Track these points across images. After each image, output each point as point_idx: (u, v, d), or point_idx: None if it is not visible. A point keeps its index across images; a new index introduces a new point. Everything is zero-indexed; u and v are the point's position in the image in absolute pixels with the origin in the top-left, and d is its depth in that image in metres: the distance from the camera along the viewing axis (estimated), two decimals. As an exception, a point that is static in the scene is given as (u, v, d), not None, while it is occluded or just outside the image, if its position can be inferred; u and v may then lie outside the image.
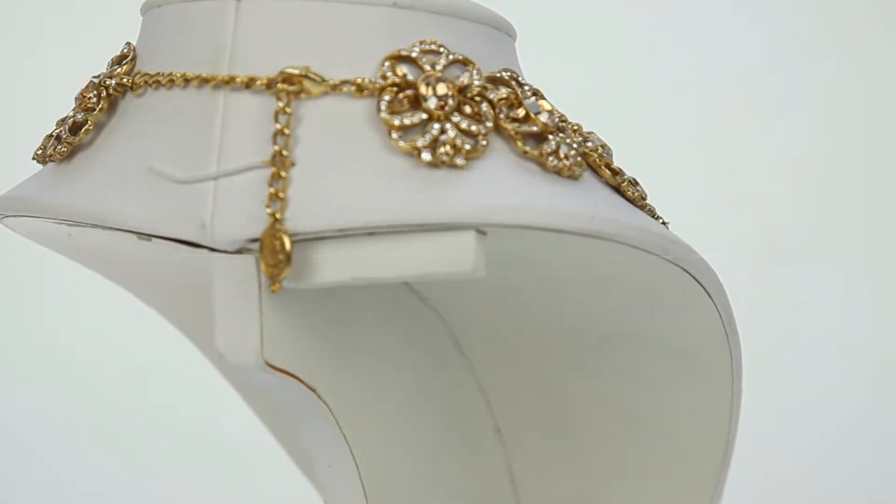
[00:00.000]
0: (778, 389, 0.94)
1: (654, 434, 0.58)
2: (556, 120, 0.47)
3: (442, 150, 0.44)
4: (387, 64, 0.45)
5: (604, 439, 0.59)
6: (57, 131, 0.51)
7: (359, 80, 0.45)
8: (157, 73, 0.48)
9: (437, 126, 0.44)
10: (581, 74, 0.99)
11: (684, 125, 1.00)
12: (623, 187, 0.48)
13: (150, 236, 0.47)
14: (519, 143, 0.45)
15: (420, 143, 0.44)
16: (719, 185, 1.00)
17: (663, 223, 0.53)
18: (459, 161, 0.44)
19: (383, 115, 0.44)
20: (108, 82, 0.49)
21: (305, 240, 0.45)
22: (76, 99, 0.50)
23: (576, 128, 0.48)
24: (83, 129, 0.49)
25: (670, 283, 0.49)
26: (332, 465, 0.54)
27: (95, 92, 0.49)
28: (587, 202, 0.45)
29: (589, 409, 0.59)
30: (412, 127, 0.44)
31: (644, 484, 0.59)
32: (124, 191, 0.47)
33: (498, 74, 0.47)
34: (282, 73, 0.45)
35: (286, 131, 0.45)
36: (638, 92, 1.00)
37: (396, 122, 0.44)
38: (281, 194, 0.44)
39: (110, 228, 0.48)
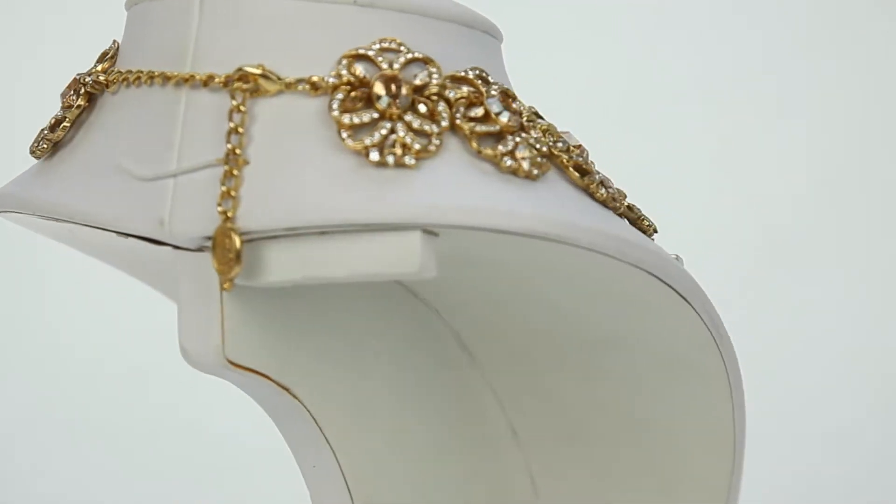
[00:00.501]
0: (778, 390, 0.94)
1: (657, 439, 0.56)
2: (522, 120, 0.46)
3: (390, 149, 0.43)
4: (344, 62, 0.45)
5: (607, 443, 0.58)
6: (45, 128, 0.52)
7: (314, 79, 0.45)
8: (128, 71, 0.48)
9: (387, 125, 0.44)
10: (581, 74, 0.99)
11: (684, 125, 0.99)
12: (591, 189, 0.47)
13: (121, 233, 0.48)
14: (474, 143, 0.44)
15: (368, 141, 0.43)
16: (719, 185, 1.00)
17: (648, 224, 0.51)
18: (409, 160, 0.43)
19: (334, 113, 0.44)
20: (86, 80, 0.50)
21: (258, 238, 0.45)
22: (61, 96, 0.51)
23: (546, 128, 0.47)
24: (61, 126, 0.50)
25: (642, 287, 0.47)
26: (316, 465, 0.54)
27: (75, 89, 0.50)
28: (538, 203, 0.44)
29: (591, 412, 0.58)
30: (362, 126, 0.44)
31: (652, 489, 0.58)
32: (94, 188, 0.48)
33: (462, 73, 0.46)
34: (238, 70, 0.45)
35: (240, 130, 0.45)
36: (637, 92, 1.00)
37: (346, 121, 0.44)
38: (233, 193, 0.44)
39: (85, 225, 0.48)
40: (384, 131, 0.44)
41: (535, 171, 0.45)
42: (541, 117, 0.49)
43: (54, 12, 0.93)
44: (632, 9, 0.99)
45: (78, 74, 0.51)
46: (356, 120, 0.44)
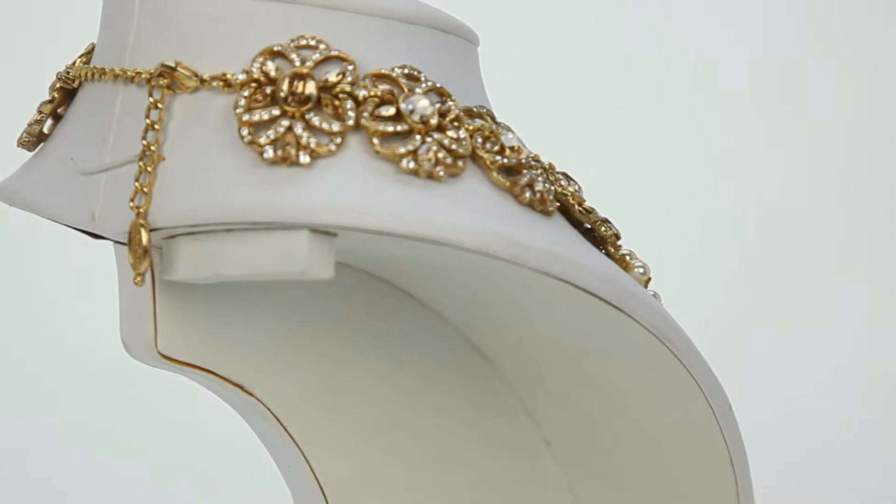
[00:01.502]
0: (781, 397, 0.93)
1: (657, 448, 0.54)
2: (444, 120, 0.44)
3: (284, 147, 0.43)
4: (259, 59, 0.44)
5: (616, 452, 0.56)
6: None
7: (227, 76, 0.44)
8: (88, 66, 0.49)
9: (285, 123, 0.43)
10: (585, 70, 0.98)
11: (685, 123, 0.98)
12: (515, 191, 0.45)
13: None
14: (375, 142, 0.43)
15: (263, 139, 0.43)
16: (719, 185, 0.99)
17: (609, 232, 0.48)
18: (303, 159, 0.43)
19: (238, 110, 0.44)
20: (61, 75, 0.51)
21: (179, 235, 0.45)
22: (49, 90, 0.53)
23: (477, 128, 0.45)
24: (36, 120, 0.51)
25: (575, 298, 0.45)
26: (290, 465, 0.54)
27: (54, 85, 0.51)
28: (430, 205, 0.42)
29: (596, 420, 0.55)
30: (261, 123, 0.43)
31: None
32: (51, 181, 0.49)
33: (384, 71, 0.45)
34: (158, 67, 0.45)
35: (157, 126, 0.45)
36: (638, 88, 0.98)
37: (246, 119, 0.43)
38: (146, 189, 0.44)
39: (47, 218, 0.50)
40: (281, 129, 0.43)
41: (441, 173, 0.43)
42: (492, 118, 0.47)
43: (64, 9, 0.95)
44: (636, 5, 0.98)
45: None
46: (255, 118, 0.43)
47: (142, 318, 0.48)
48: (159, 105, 0.45)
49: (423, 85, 0.45)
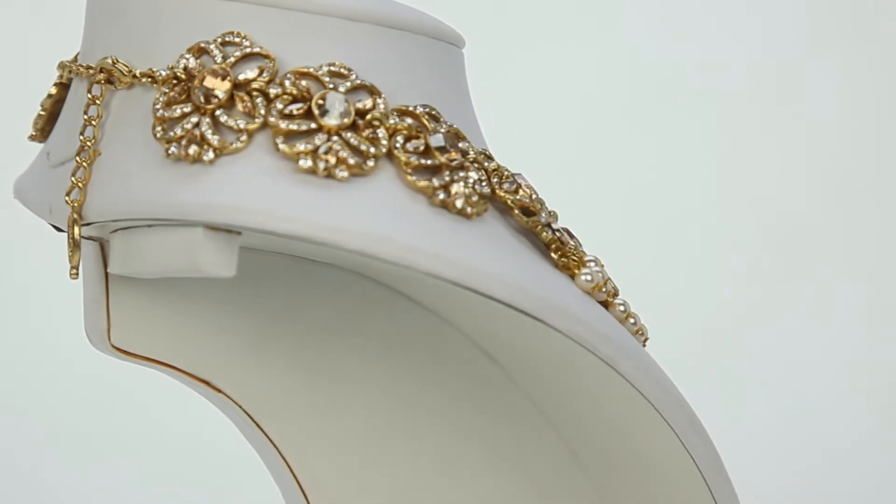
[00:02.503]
0: (783, 399, 0.92)
1: (641, 465, 0.51)
2: (354, 118, 0.43)
3: (188, 144, 0.43)
4: (187, 55, 0.44)
5: (622, 465, 0.53)
6: None
7: (154, 72, 0.45)
8: (69, 62, 0.50)
9: (193, 120, 0.43)
10: (585, 69, 0.97)
11: (687, 123, 0.98)
12: (429, 192, 0.43)
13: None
14: (279, 141, 0.43)
15: (171, 135, 0.43)
16: (722, 185, 0.98)
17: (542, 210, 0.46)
18: (207, 157, 0.42)
19: (156, 106, 0.44)
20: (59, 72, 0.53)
21: (116, 230, 0.46)
22: None
23: (406, 126, 0.44)
24: (38, 115, 0.53)
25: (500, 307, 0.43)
26: (269, 463, 0.54)
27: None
28: (320, 205, 0.41)
29: (599, 435, 0.53)
30: (172, 120, 0.43)
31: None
32: (35, 176, 0.51)
33: (308, 69, 0.44)
34: (98, 62, 0.46)
35: (94, 122, 0.46)
36: (640, 88, 0.98)
37: (159, 115, 0.44)
38: (81, 184, 0.45)
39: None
40: (188, 126, 0.43)
41: (342, 173, 0.42)
42: (432, 117, 0.45)
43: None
44: (636, 6, 0.96)
45: None
46: (167, 114, 0.43)
47: (97, 311, 0.49)
48: (97, 101, 0.46)
49: (349, 82, 0.44)
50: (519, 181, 0.46)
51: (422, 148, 0.44)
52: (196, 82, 0.43)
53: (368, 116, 0.44)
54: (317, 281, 0.53)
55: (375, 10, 0.46)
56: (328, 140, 0.43)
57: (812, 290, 0.98)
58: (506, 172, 0.46)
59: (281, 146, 0.42)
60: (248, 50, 0.44)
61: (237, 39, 0.44)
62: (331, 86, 0.44)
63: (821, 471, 0.91)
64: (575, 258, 0.47)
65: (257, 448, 0.54)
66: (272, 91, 0.43)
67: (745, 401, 0.94)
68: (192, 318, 0.51)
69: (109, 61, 0.45)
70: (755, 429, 0.92)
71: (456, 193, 0.44)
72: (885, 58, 0.99)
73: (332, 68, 0.44)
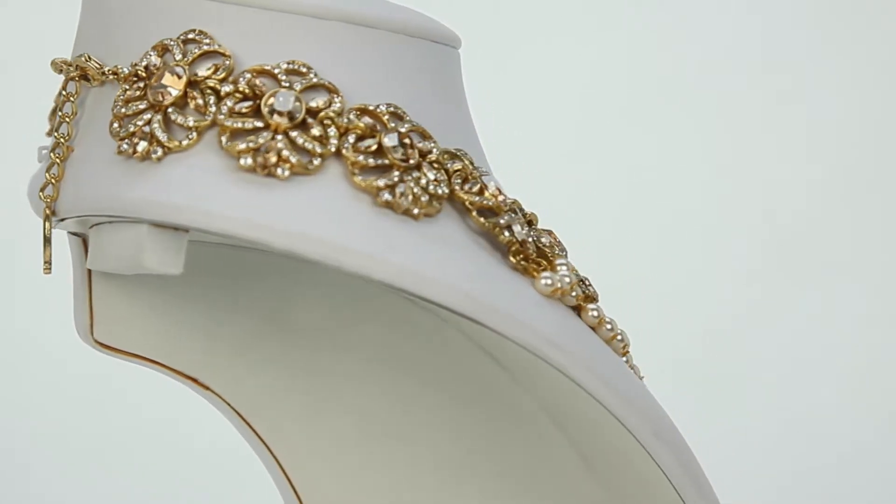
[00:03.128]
0: (791, 405, 0.91)
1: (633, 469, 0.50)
2: (304, 116, 0.43)
3: (136, 141, 0.43)
4: (151, 53, 0.45)
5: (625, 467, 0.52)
6: None
7: (119, 69, 0.45)
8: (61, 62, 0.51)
9: (146, 117, 0.43)
10: (585, 63, 0.97)
11: (689, 119, 0.97)
12: (373, 192, 0.42)
13: None
14: (223, 139, 0.42)
15: (123, 132, 0.43)
16: (725, 183, 0.97)
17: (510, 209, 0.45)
18: (155, 154, 0.43)
19: (116, 104, 0.44)
20: None
21: (93, 225, 0.47)
22: None
23: (355, 125, 0.43)
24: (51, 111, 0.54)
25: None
26: (263, 461, 0.54)
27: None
28: (255, 204, 0.41)
29: (605, 436, 0.52)
30: (127, 117, 0.44)
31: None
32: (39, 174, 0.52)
33: (266, 66, 0.44)
34: (74, 59, 0.47)
35: (67, 119, 0.46)
36: (642, 83, 0.97)
37: (116, 112, 0.44)
38: (53, 181, 0.46)
39: None
40: (140, 123, 0.43)
41: (283, 172, 0.42)
42: (394, 115, 0.45)
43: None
44: (637, 5, 0.95)
45: None
46: (124, 111, 0.44)
47: (81, 306, 0.50)
48: (71, 98, 0.46)
49: (305, 80, 0.43)
50: (486, 182, 0.45)
51: (374, 147, 0.43)
52: (153, 80, 0.44)
53: (321, 115, 0.43)
54: (312, 279, 0.53)
55: (344, 8, 0.46)
56: (272, 138, 0.42)
57: (813, 291, 0.96)
58: (474, 173, 0.45)
59: (225, 144, 0.42)
60: (206, 48, 0.44)
61: (198, 37, 0.44)
62: (286, 84, 0.43)
63: (822, 474, 0.89)
64: (536, 262, 0.45)
65: (252, 446, 0.54)
66: (224, 89, 0.43)
67: (745, 403, 0.92)
68: (179, 315, 0.51)
69: (83, 58, 0.46)
70: (756, 431, 0.90)
71: (402, 194, 0.43)
72: (889, 57, 0.98)
73: (291, 66, 0.44)
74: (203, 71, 0.43)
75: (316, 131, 0.43)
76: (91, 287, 0.50)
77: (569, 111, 0.96)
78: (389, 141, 0.44)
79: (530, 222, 0.47)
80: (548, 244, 0.46)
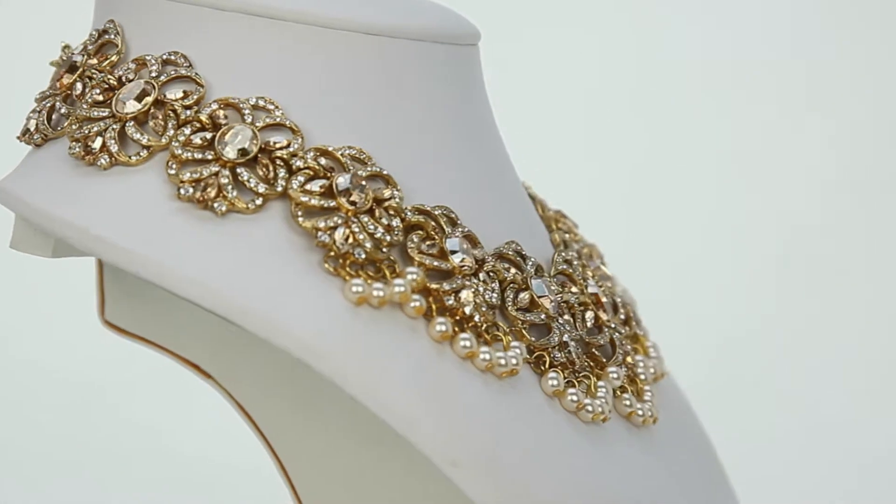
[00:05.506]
0: (808, 411, 0.91)
1: None
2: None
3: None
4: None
5: None
6: None
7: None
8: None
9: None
10: (594, 61, 0.98)
11: (701, 118, 0.97)
12: (176, 181, 0.43)
13: None
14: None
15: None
16: (739, 183, 0.97)
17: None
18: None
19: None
20: None
21: None
22: None
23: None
24: None
25: None
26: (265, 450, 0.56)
27: None
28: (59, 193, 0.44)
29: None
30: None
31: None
32: None
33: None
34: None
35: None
36: (654, 81, 0.98)
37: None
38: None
39: None
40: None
41: (102, 161, 0.44)
42: (272, 110, 0.45)
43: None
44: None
45: None
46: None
47: (97, 289, 0.54)
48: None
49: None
50: (338, 178, 0.44)
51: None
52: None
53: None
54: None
55: (301, 12, 0.46)
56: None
57: (830, 299, 0.97)
58: (334, 173, 0.44)
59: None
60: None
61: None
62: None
63: (838, 483, 0.87)
64: (351, 269, 0.43)
65: (258, 440, 0.56)
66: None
67: (760, 412, 0.91)
68: (184, 302, 0.54)
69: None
70: (771, 440, 0.89)
71: (208, 187, 0.43)
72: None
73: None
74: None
75: (152, 124, 0.44)
76: (102, 269, 0.53)
77: (572, 114, 0.97)
78: (236, 133, 0.44)
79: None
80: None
